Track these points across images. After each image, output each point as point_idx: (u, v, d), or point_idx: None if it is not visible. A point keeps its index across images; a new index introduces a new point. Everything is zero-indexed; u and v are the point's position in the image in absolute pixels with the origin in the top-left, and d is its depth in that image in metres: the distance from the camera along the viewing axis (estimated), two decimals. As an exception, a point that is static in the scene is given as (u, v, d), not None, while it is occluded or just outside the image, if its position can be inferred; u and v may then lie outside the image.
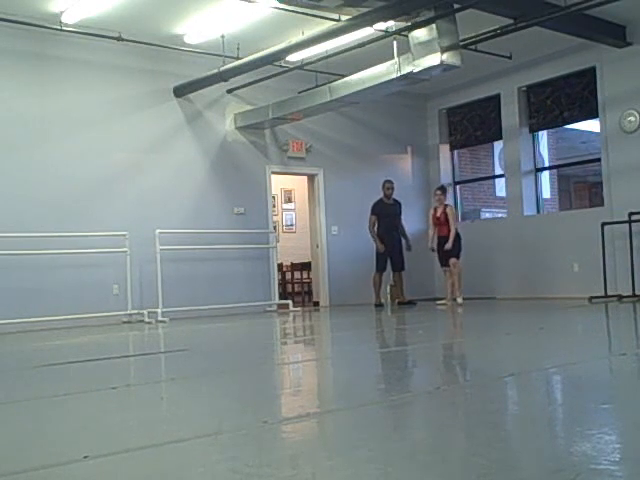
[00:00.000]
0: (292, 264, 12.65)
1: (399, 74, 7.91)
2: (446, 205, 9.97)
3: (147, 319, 8.71)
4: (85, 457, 2.15)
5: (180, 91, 9.53)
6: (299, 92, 9.76)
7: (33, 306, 8.06)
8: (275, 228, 11.18)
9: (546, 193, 12.83)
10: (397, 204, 10.38)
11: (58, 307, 8.21)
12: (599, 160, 9.97)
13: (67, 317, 8.16)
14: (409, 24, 7.45)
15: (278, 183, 12.47)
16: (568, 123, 11.00)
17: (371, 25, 7.65)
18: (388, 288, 10.56)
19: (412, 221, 10.82)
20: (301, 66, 9.20)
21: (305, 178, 11.29)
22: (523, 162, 10.87)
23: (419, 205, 11.56)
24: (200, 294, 9.39)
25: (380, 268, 10.12)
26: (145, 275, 9.04)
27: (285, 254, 12.35)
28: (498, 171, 12.88)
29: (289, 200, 13.99)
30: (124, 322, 8.73)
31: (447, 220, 9.75)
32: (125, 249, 8.76)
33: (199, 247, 9.48)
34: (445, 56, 7.31)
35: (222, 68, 8.91)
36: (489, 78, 11.06)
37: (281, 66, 9.28)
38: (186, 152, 9.66)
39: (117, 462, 2.16)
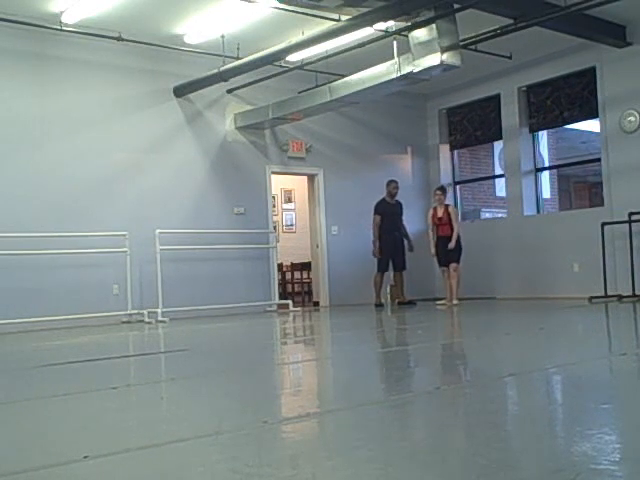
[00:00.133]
0: (292, 264, 12.65)
1: (399, 74, 7.91)
2: (447, 205, 9.96)
3: (147, 319, 8.71)
4: (85, 457, 2.15)
5: (180, 91, 9.53)
6: (299, 92, 9.76)
7: (33, 306, 8.06)
8: (275, 228, 11.18)
9: (546, 193, 12.83)
10: (399, 204, 10.38)
11: (58, 307, 8.21)
12: (599, 160, 9.97)
13: (67, 317, 8.16)
14: (409, 24, 7.45)
15: (278, 183, 12.46)
16: (568, 123, 11.00)
17: (371, 25, 7.65)
18: (388, 288, 10.56)
19: (412, 221, 10.81)
20: (301, 66, 9.20)
21: (305, 178, 11.29)
22: (523, 162, 10.87)
23: (419, 205, 11.55)
24: (200, 294, 9.39)
25: (382, 268, 10.11)
26: (145, 275, 9.04)
27: (285, 254, 12.35)
28: (498, 171, 12.88)
29: (289, 200, 13.99)
30: (124, 322, 8.73)
31: (449, 220, 9.74)
32: (125, 249, 8.76)
33: (199, 247, 9.48)
34: (445, 56, 7.31)
35: (222, 68, 8.91)
36: (489, 78, 11.06)
37: (281, 66, 9.29)
38: (186, 152, 9.66)
39: (117, 462, 2.16)
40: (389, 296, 10.68)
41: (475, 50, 8.83)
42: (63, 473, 2.07)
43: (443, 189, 10.16)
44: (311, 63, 9.06)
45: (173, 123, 9.59)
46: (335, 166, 11.06)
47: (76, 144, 8.71)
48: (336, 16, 7.66)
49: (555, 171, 13.83)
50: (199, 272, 9.52)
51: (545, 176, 12.20)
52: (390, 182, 10.35)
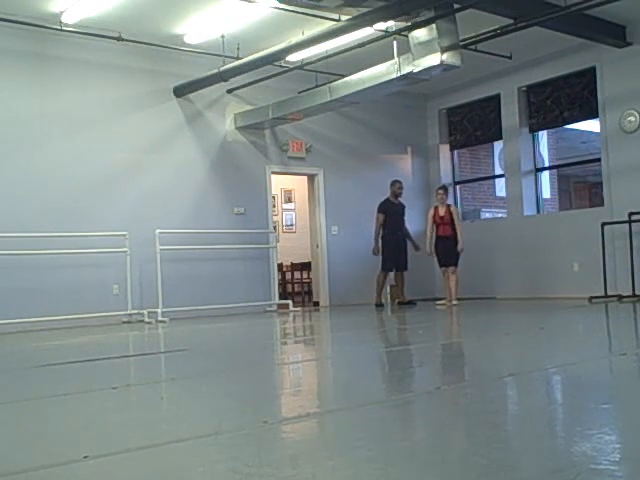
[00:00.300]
0: (292, 264, 12.65)
1: (399, 74, 7.91)
2: (449, 205, 9.96)
3: (147, 319, 8.71)
4: (85, 457, 2.15)
5: (180, 91, 9.53)
6: (299, 92, 9.76)
7: (33, 306, 8.05)
8: (275, 228, 11.18)
9: (546, 193, 12.83)
10: (402, 205, 10.38)
11: (58, 307, 8.21)
12: (599, 160, 9.97)
13: (67, 317, 8.16)
14: (409, 24, 7.45)
15: (278, 183, 12.46)
16: (568, 123, 11.00)
17: (371, 25, 7.65)
18: (388, 288, 10.56)
19: (412, 221, 10.80)
20: (301, 66, 9.20)
21: (305, 178, 11.29)
22: (523, 162, 10.87)
23: (419, 205, 11.55)
24: (200, 294, 9.39)
25: (386, 268, 10.11)
26: (145, 275, 9.04)
27: (285, 254, 12.35)
28: (498, 171, 12.88)
29: (289, 200, 13.99)
30: (124, 322, 8.73)
31: (451, 220, 9.74)
32: (125, 249, 8.76)
33: (199, 247, 9.48)
34: (445, 56, 7.31)
35: (222, 68, 8.91)
36: (489, 78, 11.06)
37: (281, 66, 9.28)
38: (186, 152, 9.66)
39: (117, 462, 2.16)
40: (389, 296, 10.68)
41: (475, 50, 8.83)
42: (63, 473, 2.07)
43: (445, 189, 10.16)
44: (311, 63, 9.06)
45: (173, 123, 9.59)
46: (335, 166, 11.06)
47: (76, 144, 8.71)
48: (336, 16, 7.66)
49: (555, 171, 13.83)
50: (199, 272, 9.52)
51: (545, 176, 12.21)
52: (394, 182, 10.35)
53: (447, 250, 9.75)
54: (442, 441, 2.33)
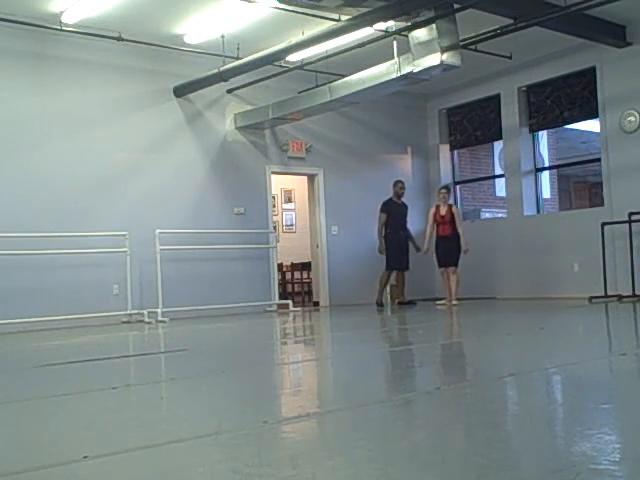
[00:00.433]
0: (292, 264, 12.65)
1: (399, 74, 7.91)
2: (450, 205, 9.97)
3: (147, 319, 8.71)
4: (85, 457, 2.15)
5: (180, 91, 9.53)
6: (299, 92, 9.76)
7: (33, 306, 8.05)
8: (275, 228, 11.18)
9: (546, 193, 12.83)
10: (404, 205, 10.38)
11: (58, 307, 8.21)
12: (599, 160, 9.97)
13: (67, 317, 8.16)
14: (409, 24, 7.45)
15: (278, 183, 12.46)
16: (568, 123, 11.00)
17: (371, 25, 7.65)
18: (388, 288, 10.56)
19: (412, 221, 10.79)
20: (301, 66, 9.20)
21: (305, 178, 11.29)
22: (523, 162, 10.87)
23: (419, 205, 11.54)
24: (200, 294, 9.39)
25: (391, 267, 10.11)
26: (145, 275, 9.04)
27: (285, 254, 12.35)
28: (498, 171, 12.88)
29: (289, 200, 13.99)
30: (124, 322, 8.73)
31: (452, 219, 9.76)
32: (125, 249, 8.76)
33: (199, 247, 9.48)
34: (445, 56, 7.31)
35: (222, 68, 8.91)
36: (489, 78, 11.06)
37: (281, 66, 9.28)
38: (186, 152, 9.66)
39: (117, 462, 2.16)
40: (389, 296, 10.68)
41: (475, 50, 8.83)
42: (63, 473, 2.07)
43: (447, 188, 10.19)
44: (311, 63, 9.06)
45: (173, 123, 9.59)
46: (335, 166, 11.06)
47: (76, 144, 8.71)
48: (336, 16, 7.66)
49: (555, 171, 13.83)
50: (199, 272, 9.51)
51: (545, 176, 12.21)
52: (397, 182, 10.36)
53: (447, 250, 9.77)
54: (442, 441, 2.33)
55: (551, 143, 13.75)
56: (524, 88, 10.85)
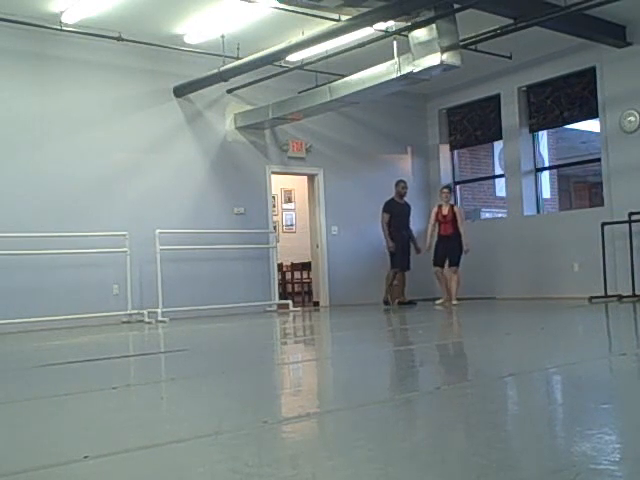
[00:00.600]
0: (292, 264, 12.65)
1: (399, 74, 7.91)
2: (452, 204, 9.98)
3: (147, 319, 8.71)
4: (85, 457, 2.15)
5: (180, 91, 9.53)
6: (299, 92, 9.76)
7: (33, 306, 8.05)
8: (275, 228, 11.17)
9: (546, 193, 12.83)
10: (407, 205, 10.37)
11: (58, 307, 8.21)
12: (599, 160, 9.97)
13: (67, 317, 8.16)
14: (409, 24, 7.45)
15: (278, 183, 12.46)
16: (568, 123, 11.00)
17: (371, 25, 7.65)
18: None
19: (413, 222, 10.76)
20: (301, 66, 9.20)
21: (305, 178, 11.29)
22: (523, 162, 10.87)
23: (419, 205, 11.53)
24: (200, 294, 9.39)
25: (396, 266, 10.10)
26: (145, 275, 9.04)
27: (285, 254, 12.35)
28: (498, 171, 12.88)
29: (289, 200, 13.99)
30: (124, 322, 8.73)
31: (454, 219, 9.77)
32: (125, 249, 8.76)
33: (199, 247, 9.48)
34: (445, 56, 7.31)
35: (222, 68, 8.91)
36: (489, 78, 11.06)
37: (281, 66, 9.28)
38: (186, 152, 9.66)
39: (117, 462, 2.16)
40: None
41: (475, 50, 8.83)
42: (63, 473, 2.07)
43: (450, 188, 10.25)
44: (311, 63, 9.06)
45: (173, 123, 9.59)
46: (335, 166, 11.06)
47: (76, 144, 8.71)
48: (336, 16, 7.66)
49: (555, 171, 13.83)
50: (199, 272, 9.51)
51: (545, 176, 12.21)
52: (399, 182, 10.35)
53: (448, 250, 9.78)
54: (442, 441, 2.33)
55: (551, 143, 13.75)
56: (524, 88, 10.85)
